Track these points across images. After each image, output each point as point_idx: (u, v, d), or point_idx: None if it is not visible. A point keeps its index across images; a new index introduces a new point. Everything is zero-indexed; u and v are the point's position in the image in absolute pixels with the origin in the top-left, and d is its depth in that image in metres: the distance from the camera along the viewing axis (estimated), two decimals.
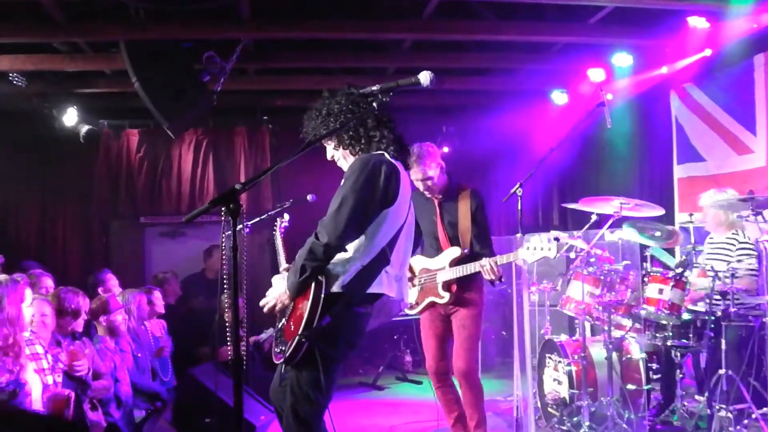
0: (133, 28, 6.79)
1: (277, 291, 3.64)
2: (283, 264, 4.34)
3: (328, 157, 3.96)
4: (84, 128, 8.94)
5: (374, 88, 3.47)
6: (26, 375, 4.45)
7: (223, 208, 2.93)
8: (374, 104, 3.55)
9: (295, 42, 7.86)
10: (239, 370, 3.04)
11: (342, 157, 3.87)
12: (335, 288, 3.46)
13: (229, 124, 10.22)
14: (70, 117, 8.72)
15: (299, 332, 3.40)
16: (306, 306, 3.43)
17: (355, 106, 3.68)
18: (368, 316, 3.68)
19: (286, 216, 5.02)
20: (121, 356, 6.00)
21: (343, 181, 3.59)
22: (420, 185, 5.45)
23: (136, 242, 10.18)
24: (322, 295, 3.42)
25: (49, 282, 6.41)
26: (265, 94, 9.52)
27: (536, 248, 4.83)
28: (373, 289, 3.55)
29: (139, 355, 6.40)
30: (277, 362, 3.69)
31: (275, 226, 4.99)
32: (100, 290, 6.97)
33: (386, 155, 3.68)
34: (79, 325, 5.37)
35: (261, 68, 8.46)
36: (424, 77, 3.44)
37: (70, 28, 6.73)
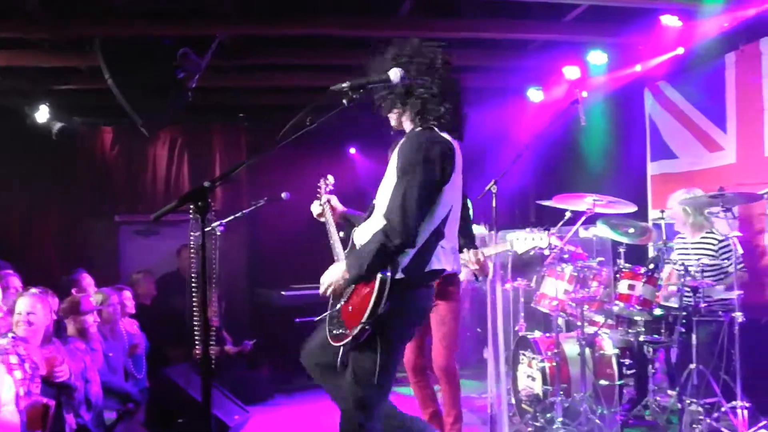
0: (109, 25, 6.74)
1: (333, 276, 3.58)
2: (334, 236, 4.12)
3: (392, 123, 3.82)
4: (57, 126, 8.88)
5: (344, 85, 3.45)
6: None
7: (192, 206, 2.93)
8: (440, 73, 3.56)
9: (273, 39, 7.82)
10: (207, 369, 3.05)
11: (403, 121, 3.74)
12: (397, 275, 3.40)
13: (206, 122, 10.18)
14: (42, 114, 8.65)
15: (363, 320, 3.36)
16: (370, 294, 3.37)
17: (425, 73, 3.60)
18: (430, 294, 3.65)
19: (331, 178, 4.57)
20: (92, 356, 5.93)
21: (397, 163, 3.48)
22: None
23: (110, 241, 10.10)
24: (388, 286, 3.36)
25: (16, 282, 6.35)
26: (242, 92, 9.48)
27: (526, 238, 4.83)
28: (431, 266, 3.49)
29: (111, 354, 6.35)
30: (334, 344, 3.63)
31: (319, 191, 4.53)
32: (73, 291, 6.91)
33: (436, 131, 3.54)
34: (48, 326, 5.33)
35: (239, 65, 8.41)
36: (394, 74, 3.45)
37: (45, 23, 6.66)
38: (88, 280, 7.25)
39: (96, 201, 9.84)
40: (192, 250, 3.31)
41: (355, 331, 3.39)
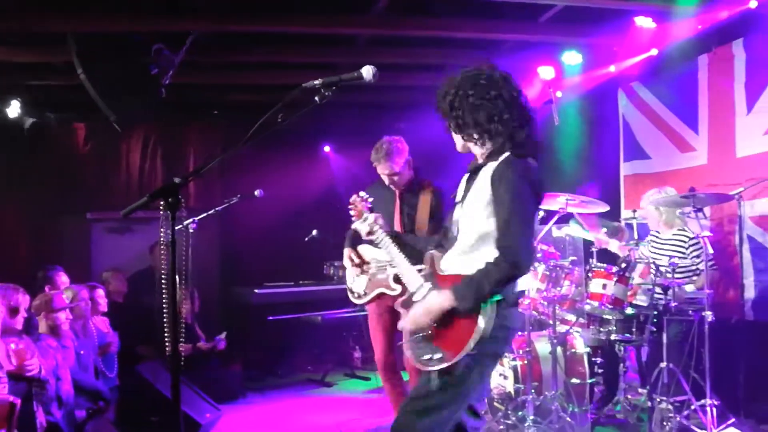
0: (82, 20, 6.68)
1: (432, 307, 3.33)
2: (396, 256, 3.84)
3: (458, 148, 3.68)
4: (28, 121, 8.79)
5: (317, 82, 3.42)
6: None
7: (162, 202, 2.90)
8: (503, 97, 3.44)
9: (248, 36, 7.80)
10: (177, 366, 3.03)
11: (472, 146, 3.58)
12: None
13: (180, 120, 10.12)
14: (13, 109, 8.57)
15: (469, 344, 3.20)
16: (473, 318, 3.23)
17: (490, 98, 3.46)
18: (520, 315, 3.58)
19: (364, 194, 4.36)
20: (63, 354, 5.87)
21: (498, 188, 3.33)
22: (386, 179, 5.49)
23: (83, 238, 10.01)
24: (494, 313, 3.24)
25: None
26: (217, 89, 9.44)
27: None
28: (519, 287, 3.43)
29: (82, 352, 6.29)
30: (422, 368, 3.40)
31: (353, 208, 4.30)
32: (46, 288, 6.85)
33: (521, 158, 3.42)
34: (18, 322, 5.28)
35: (214, 62, 8.37)
36: (367, 72, 3.42)
37: (18, 18, 6.60)
38: (63, 278, 7.19)
39: (68, 198, 9.70)
40: (162, 247, 3.27)
41: (459, 356, 3.23)
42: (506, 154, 3.40)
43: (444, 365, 3.26)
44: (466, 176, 3.60)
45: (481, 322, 3.19)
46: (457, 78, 3.58)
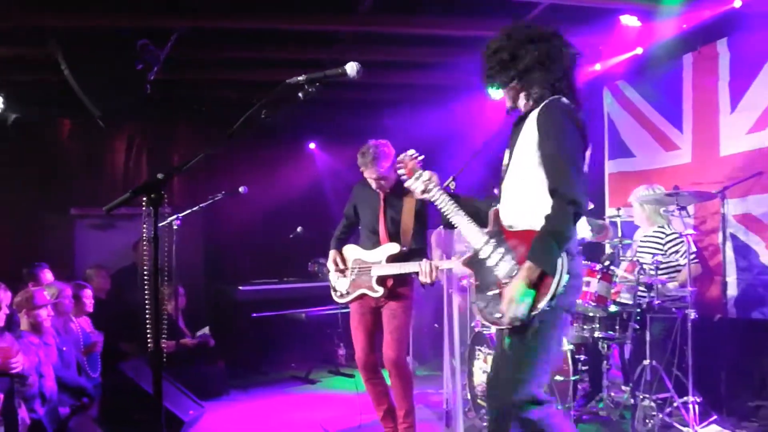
0: (67, 16, 6.65)
1: (518, 289, 3.25)
2: (456, 214, 3.72)
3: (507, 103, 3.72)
4: (11, 117, 8.74)
5: (300, 78, 3.41)
6: None
7: (145, 198, 2.89)
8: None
9: (234, 32, 7.78)
10: (159, 363, 3.02)
11: (519, 99, 3.64)
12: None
13: (166, 116, 10.07)
14: None
15: (539, 304, 3.22)
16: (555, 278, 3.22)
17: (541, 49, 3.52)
18: (581, 263, 3.56)
19: (413, 151, 4.16)
20: (46, 350, 5.85)
21: (543, 134, 3.40)
22: (372, 183, 5.49)
23: (66, 234, 9.94)
24: (564, 266, 3.24)
25: None
26: (203, 86, 9.41)
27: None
28: (578, 233, 3.49)
29: (65, 349, 6.26)
30: (495, 327, 3.53)
31: (403, 165, 4.12)
32: (30, 285, 6.80)
33: (564, 99, 3.47)
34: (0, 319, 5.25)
35: (200, 59, 8.34)
36: (351, 68, 3.41)
37: (2, 13, 6.56)
38: (48, 275, 7.16)
39: (51, 194, 9.66)
40: (145, 244, 3.25)
41: (534, 312, 3.23)
42: (547, 100, 3.46)
43: (517, 322, 3.27)
44: (511, 133, 3.66)
45: (555, 279, 3.20)
46: (507, 30, 3.65)
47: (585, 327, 6.09)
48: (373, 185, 5.50)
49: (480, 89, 9.11)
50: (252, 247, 10.05)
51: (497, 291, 3.39)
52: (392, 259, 5.33)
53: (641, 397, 5.61)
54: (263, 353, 9.29)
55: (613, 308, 5.96)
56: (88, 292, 6.95)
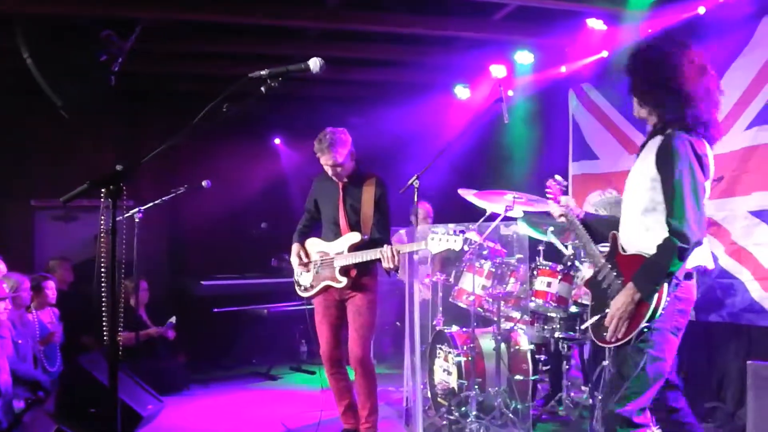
0: (30, 3, 6.56)
1: (623, 304, 3.46)
2: (586, 239, 4.03)
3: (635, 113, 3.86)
4: None
5: (263, 72, 3.39)
6: None
7: (104, 190, 2.86)
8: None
9: (200, 25, 7.73)
10: (115, 356, 2.99)
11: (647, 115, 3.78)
12: None
13: (130, 108, 9.97)
14: None
15: (638, 325, 3.41)
16: (647, 301, 3.41)
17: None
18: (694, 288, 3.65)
19: (559, 177, 4.47)
20: (0, 343, 5.78)
21: (663, 164, 3.48)
22: (329, 170, 5.49)
23: (26, 225, 9.84)
24: (665, 292, 3.41)
25: None
26: (168, 78, 9.34)
27: (441, 240, 4.85)
28: (693, 263, 3.53)
29: (20, 341, 6.18)
30: (601, 344, 3.70)
31: (550, 191, 4.37)
32: None
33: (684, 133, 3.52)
34: None
35: (164, 51, 8.27)
36: (314, 63, 3.42)
37: None
38: (0, 266, 7.05)
39: (12, 184, 9.54)
40: (102, 236, 3.18)
41: (633, 333, 3.44)
42: (673, 129, 3.53)
43: (621, 342, 3.48)
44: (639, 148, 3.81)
45: (654, 299, 3.37)
46: (648, 42, 3.81)
47: (546, 327, 6.13)
48: (330, 172, 5.51)
49: (448, 88, 9.23)
50: (215, 242, 9.99)
51: (608, 311, 3.57)
52: (354, 248, 5.35)
53: (599, 397, 5.64)
54: (225, 348, 9.26)
55: (573, 309, 6.01)
56: (51, 284, 6.90)
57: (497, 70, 8.15)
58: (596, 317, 3.69)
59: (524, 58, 7.84)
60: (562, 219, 4.20)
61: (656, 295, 3.37)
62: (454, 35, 7.88)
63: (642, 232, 3.56)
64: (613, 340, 3.52)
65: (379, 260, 5.22)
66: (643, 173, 3.60)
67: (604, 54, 7.55)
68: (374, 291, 5.49)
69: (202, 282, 8.89)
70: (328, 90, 9.76)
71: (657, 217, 3.50)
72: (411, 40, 8.12)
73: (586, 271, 6.25)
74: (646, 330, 3.41)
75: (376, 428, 5.52)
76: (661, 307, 3.38)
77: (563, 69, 8.09)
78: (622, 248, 3.67)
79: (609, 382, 3.83)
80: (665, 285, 3.38)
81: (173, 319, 8.17)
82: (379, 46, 8.30)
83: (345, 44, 8.23)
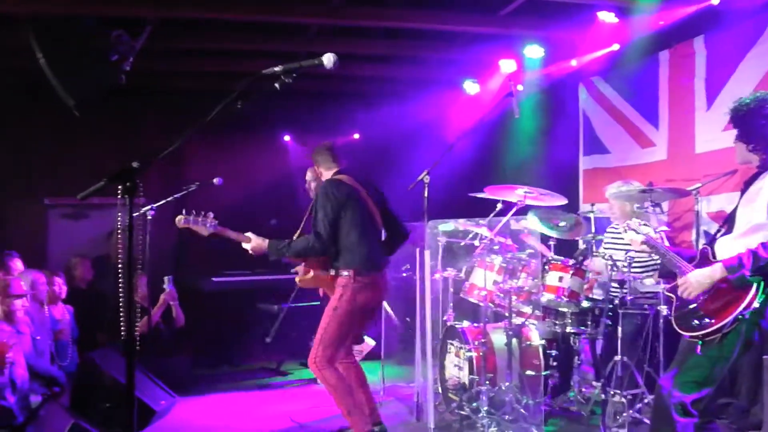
0: (38, 3, 6.57)
1: (701, 280, 3.95)
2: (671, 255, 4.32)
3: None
4: None
5: (277, 69, 3.37)
6: None
7: (120, 187, 2.85)
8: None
9: (200, 22, 7.72)
10: (132, 353, 2.97)
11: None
12: None
13: (138, 106, 9.97)
14: None
15: (730, 316, 3.79)
16: (740, 295, 3.81)
17: None
18: None
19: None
20: (18, 339, 5.81)
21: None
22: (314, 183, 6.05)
23: (39, 223, 9.88)
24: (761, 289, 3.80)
25: None
26: (174, 76, 9.34)
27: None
28: None
29: (38, 337, 6.22)
30: (687, 334, 4.02)
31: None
32: (0, 273, 6.73)
33: None
34: None
35: (167, 48, 8.26)
36: (327, 59, 3.37)
37: None
38: (18, 264, 7.08)
39: (24, 182, 9.58)
40: (119, 233, 3.20)
41: (723, 323, 3.81)
42: None
43: (707, 330, 3.87)
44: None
45: (748, 295, 3.77)
46: (755, 96, 4.09)
47: (557, 322, 6.09)
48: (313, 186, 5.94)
49: (455, 84, 9.21)
50: (225, 239, 9.97)
51: (694, 305, 4.00)
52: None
53: (612, 393, 5.61)
54: (235, 344, 9.25)
55: (585, 304, 5.97)
56: (58, 280, 6.93)
57: (506, 65, 8.12)
58: (683, 310, 4.07)
59: (533, 52, 7.80)
60: (644, 246, 4.48)
61: (750, 294, 3.76)
62: (461, 30, 7.84)
63: (737, 241, 3.96)
64: (701, 329, 3.90)
65: (348, 270, 5.35)
66: (760, 197, 3.96)
67: (615, 47, 7.51)
68: (339, 299, 5.37)
69: (213, 278, 8.88)
70: (336, 86, 9.74)
71: (758, 232, 3.87)
72: (417, 35, 8.10)
73: (598, 265, 6.23)
74: (739, 322, 3.79)
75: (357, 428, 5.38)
76: (754, 305, 3.75)
77: (573, 63, 8.05)
78: (711, 257, 4.05)
79: (686, 367, 4.06)
80: (759, 286, 3.76)
81: (169, 278, 8.09)
82: (385, 41, 8.29)
83: (349, 40, 8.20)
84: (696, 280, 3.96)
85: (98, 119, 9.60)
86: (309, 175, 6.42)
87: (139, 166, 2.89)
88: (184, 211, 5.53)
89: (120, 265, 3.84)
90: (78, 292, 7.42)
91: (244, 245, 5.71)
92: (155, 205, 6.72)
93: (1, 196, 9.55)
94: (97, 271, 8.51)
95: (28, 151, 9.64)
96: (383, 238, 5.70)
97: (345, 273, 5.36)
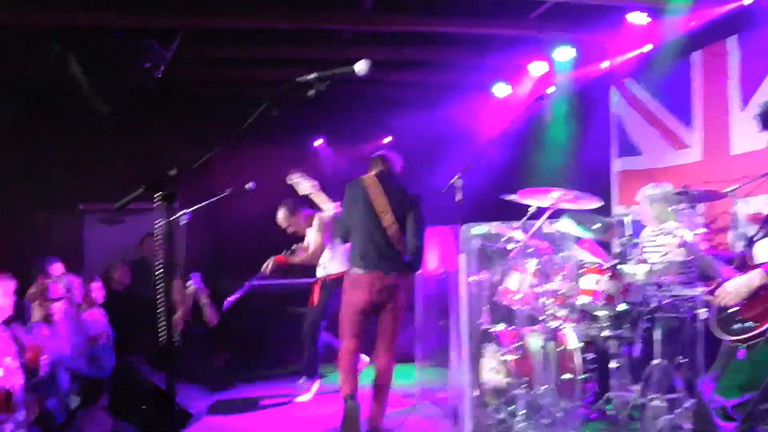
0: (67, 14, 6.66)
1: (739, 287, 4.02)
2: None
3: None
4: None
5: (311, 76, 3.37)
6: None
7: (158, 194, 2.87)
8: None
9: (231, 31, 7.76)
10: (170, 358, 3.00)
11: None
12: None
13: (169, 113, 10.05)
14: None
15: None
16: None
17: None
18: None
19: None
20: (57, 342, 5.88)
21: None
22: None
23: (75, 229, 10.02)
24: None
25: None
26: (207, 84, 9.40)
27: None
28: None
29: (76, 340, 6.28)
30: (729, 338, 4.10)
31: None
32: (40, 278, 6.80)
33: None
34: (5, 309, 5.26)
35: (198, 57, 8.31)
36: (361, 66, 3.37)
37: (8, 11, 6.57)
38: (58, 268, 7.15)
39: (61, 188, 9.72)
40: (157, 239, 3.22)
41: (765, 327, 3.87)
42: None
43: (750, 334, 3.91)
44: None
45: None
46: None
47: (593, 325, 6.06)
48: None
49: (485, 88, 9.22)
50: (258, 243, 9.98)
51: (735, 308, 4.02)
52: None
53: (650, 397, 5.57)
54: (269, 347, 9.28)
55: (621, 307, 5.92)
56: (95, 285, 6.99)
57: (536, 68, 8.10)
58: (724, 314, 4.10)
59: (564, 54, 7.78)
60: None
61: None
62: (491, 33, 7.81)
63: None
64: (742, 333, 3.95)
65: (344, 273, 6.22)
66: None
67: (647, 48, 7.47)
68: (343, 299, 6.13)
69: (245, 282, 8.93)
70: (367, 91, 9.75)
71: None
72: (447, 39, 8.08)
73: (635, 269, 6.19)
74: None
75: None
76: None
77: (605, 64, 8.01)
78: (751, 260, 4.13)
79: (729, 371, 4.14)
80: None
81: (194, 276, 8.14)
82: (415, 47, 8.27)
83: (380, 46, 8.21)
84: (734, 288, 3.95)
85: (131, 126, 9.72)
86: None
87: (176, 174, 2.91)
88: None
89: (158, 270, 3.90)
90: (115, 296, 7.50)
91: None
92: (189, 211, 6.76)
93: (39, 202, 9.69)
94: (132, 275, 8.59)
95: (64, 158, 9.78)
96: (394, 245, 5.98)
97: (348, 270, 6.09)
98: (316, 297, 7.37)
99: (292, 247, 7.68)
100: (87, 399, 6.15)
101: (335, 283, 7.03)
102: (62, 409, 5.66)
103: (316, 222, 7.52)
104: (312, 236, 7.53)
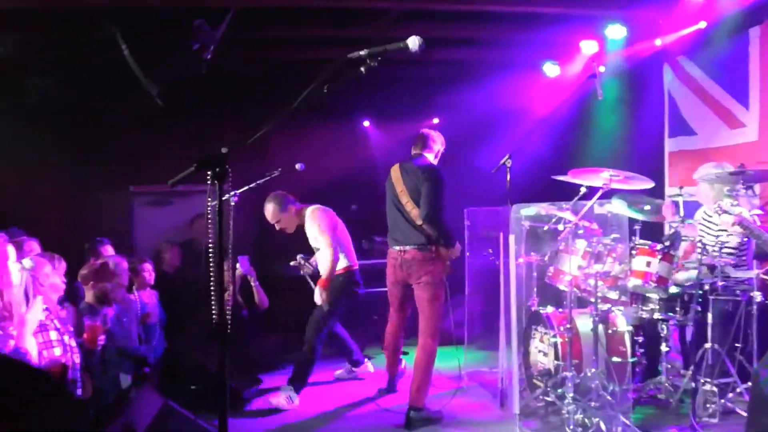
0: None
1: None
2: None
3: None
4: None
5: (362, 53, 3.34)
6: (27, 345, 4.43)
7: (209, 173, 2.88)
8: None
9: (277, 11, 7.74)
10: (223, 337, 3.01)
11: None
12: None
13: (218, 95, 10.09)
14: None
15: None
16: None
17: None
18: None
19: None
20: (110, 323, 5.97)
21: None
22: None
23: (125, 211, 10.15)
24: None
25: (35, 246, 6.33)
26: (252, 64, 9.41)
27: None
28: None
29: (125, 320, 6.37)
30: None
31: None
32: (92, 259, 6.90)
33: None
34: (58, 289, 5.33)
35: (246, 38, 8.31)
36: (413, 42, 3.34)
37: None
38: (109, 250, 7.26)
39: (111, 171, 9.84)
40: (209, 219, 3.22)
41: None
42: None
43: None
44: None
45: None
46: None
47: (644, 308, 5.99)
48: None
49: (535, 66, 9.09)
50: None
51: None
52: None
53: (702, 381, 5.48)
54: None
55: (673, 289, 5.84)
56: (147, 266, 7.08)
57: (588, 46, 7.97)
58: None
59: (616, 32, 7.63)
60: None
61: None
62: (541, 11, 7.69)
63: None
64: None
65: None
66: None
67: (702, 25, 7.30)
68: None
69: (292, 263, 8.96)
70: (415, 71, 9.69)
71: None
72: (497, 17, 7.96)
73: (681, 251, 6.09)
74: None
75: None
76: None
77: (658, 42, 7.85)
78: None
79: None
80: None
81: (242, 258, 8.16)
82: (464, 24, 8.17)
83: (428, 24, 8.12)
84: None
85: (180, 108, 9.78)
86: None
87: (228, 152, 2.92)
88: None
89: (209, 251, 3.93)
90: (166, 277, 7.59)
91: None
92: (238, 191, 6.80)
93: (90, 184, 9.81)
94: (182, 257, 8.68)
95: (114, 141, 9.89)
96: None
97: None
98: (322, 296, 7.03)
99: (302, 262, 7.69)
100: (138, 379, 6.23)
101: (342, 281, 7.12)
102: (113, 386, 5.74)
103: (316, 224, 7.23)
104: (320, 241, 7.20)
